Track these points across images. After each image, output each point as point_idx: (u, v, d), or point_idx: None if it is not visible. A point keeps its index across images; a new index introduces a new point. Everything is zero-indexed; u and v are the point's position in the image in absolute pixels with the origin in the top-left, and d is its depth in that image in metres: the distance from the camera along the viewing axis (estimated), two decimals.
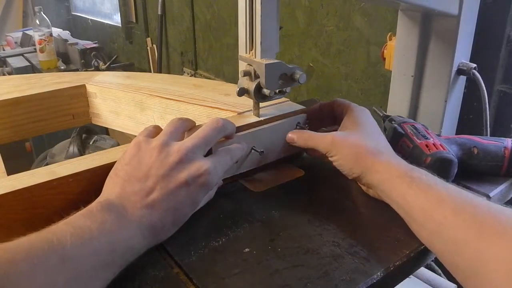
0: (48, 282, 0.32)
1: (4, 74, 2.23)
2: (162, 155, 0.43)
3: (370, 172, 0.46)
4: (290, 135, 0.55)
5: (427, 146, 0.53)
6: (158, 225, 0.41)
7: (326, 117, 0.59)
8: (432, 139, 0.54)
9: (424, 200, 0.40)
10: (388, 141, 0.61)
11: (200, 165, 0.43)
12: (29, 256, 0.32)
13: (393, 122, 0.61)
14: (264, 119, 0.56)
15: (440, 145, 0.53)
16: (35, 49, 2.37)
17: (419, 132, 0.56)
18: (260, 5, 0.49)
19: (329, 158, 0.50)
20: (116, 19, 2.75)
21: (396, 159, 0.47)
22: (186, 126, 0.49)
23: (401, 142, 0.57)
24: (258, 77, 0.53)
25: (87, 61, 2.38)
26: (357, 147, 0.48)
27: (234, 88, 0.55)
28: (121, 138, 1.65)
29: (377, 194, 0.48)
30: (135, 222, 0.40)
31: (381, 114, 0.68)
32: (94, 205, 0.40)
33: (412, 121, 0.61)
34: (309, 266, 0.40)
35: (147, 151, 0.43)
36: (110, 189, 0.43)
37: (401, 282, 0.43)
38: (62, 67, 2.39)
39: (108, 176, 0.44)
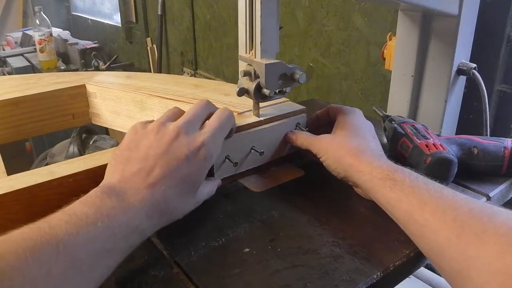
0: (43, 273, 0.31)
1: (4, 74, 2.23)
2: (159, 135, 0.44)
3: (353, 172, 0.48)
4: (290, 135, 0.58)
5: (427, 146, 0.53)
6: (161, 203, 0.41)
7: (324, 124, 0.60)
8: (432, 139, 0.54)
9: (406, 204, 0.41)
10: (388, 141, 0.62)
11: (195, 137, 0.44)
12: (20, 248, 0.31)
13: (393, 122, 0.61)
14: (264, 119, 0.56)
15: (440, 145, 0.53)
16: (35, 49, 2.37)
17: (419, 132, 0.56)
18: (260, 5, 0.49)
19: (320, 159, 0.52)
20: (116, 19, 2.75)
21: (379, 160, 0.47)
22: (181, 112, 0.49)
23: (401, 142, 0.57)
24: (258, 77, 0.53)
25: (87, 61, 2.38)
26: (340, 148, 0.50)
27: (234, 88, 0.55)
28: (121, 138, 1.64)
29: (365, 193, 0.49)
30: (136, 202, 0.39)
31: (381, 114, 0.68)
32: (93, 191, 0.39)
33: (412, 121, 0.61)
34: (309, 266, 0.40)
35: (144, 134, 0.44)
36: (111, 175, 0.42)
37: (401, 282, 0.43)
38: (62, 67, 2.39)
39: (108, 164, 0.44)
